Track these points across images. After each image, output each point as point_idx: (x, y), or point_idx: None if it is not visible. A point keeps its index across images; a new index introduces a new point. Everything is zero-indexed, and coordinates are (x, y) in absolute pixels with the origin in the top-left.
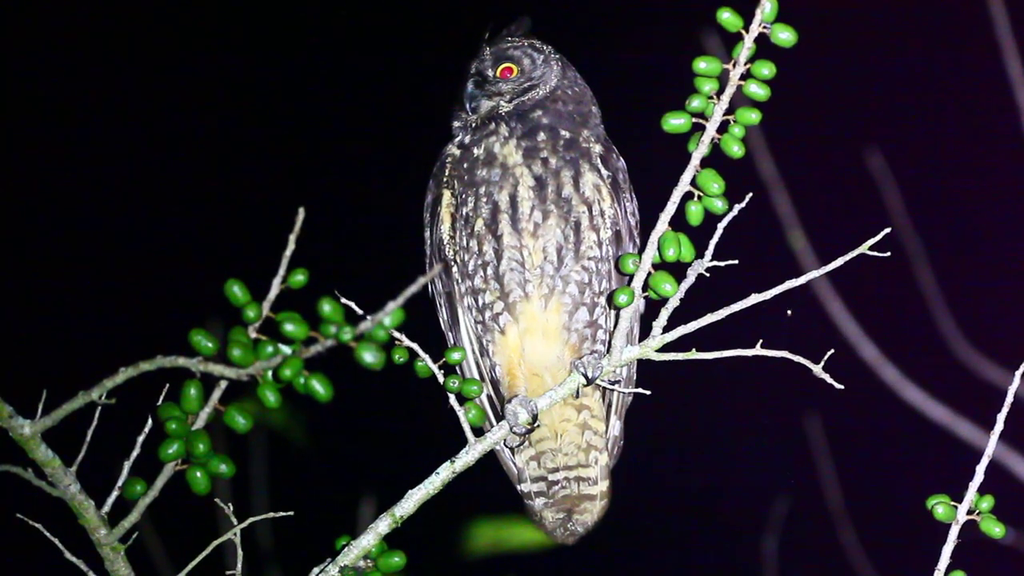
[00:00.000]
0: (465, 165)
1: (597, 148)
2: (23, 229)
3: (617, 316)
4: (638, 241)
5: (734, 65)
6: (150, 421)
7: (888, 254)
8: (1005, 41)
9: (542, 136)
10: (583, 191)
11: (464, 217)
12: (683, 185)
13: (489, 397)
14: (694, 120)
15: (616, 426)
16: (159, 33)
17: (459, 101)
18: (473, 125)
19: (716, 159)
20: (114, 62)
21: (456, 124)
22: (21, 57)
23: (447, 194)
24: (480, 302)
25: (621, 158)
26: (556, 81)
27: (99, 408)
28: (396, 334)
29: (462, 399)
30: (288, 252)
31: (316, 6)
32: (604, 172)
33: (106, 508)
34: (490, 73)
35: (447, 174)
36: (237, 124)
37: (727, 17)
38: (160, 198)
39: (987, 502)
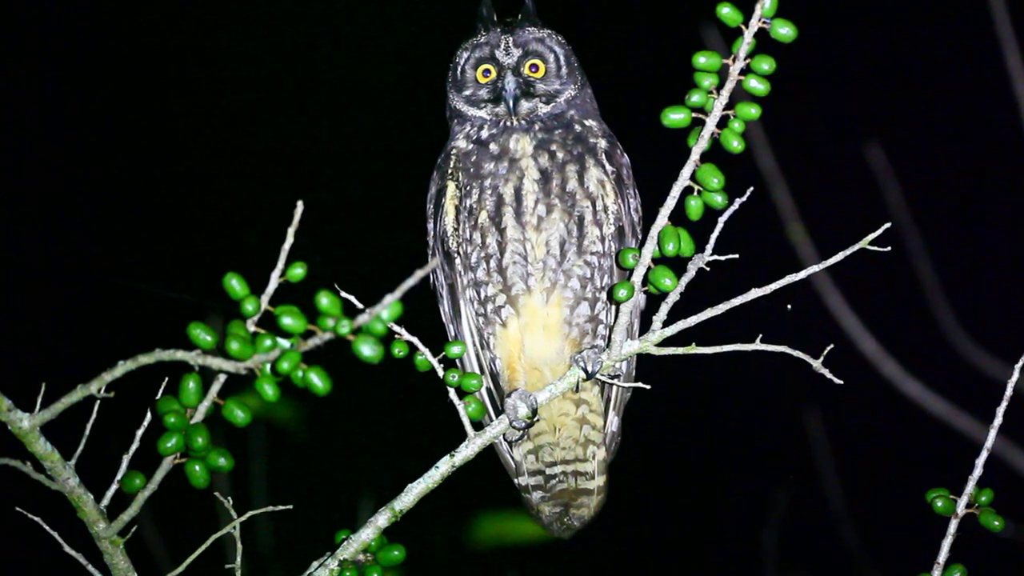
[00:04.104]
0: (473, 158)
1: (602, 143)
2: (22, 224)
3: (617, 311)
4: (640, 237)
5: (734, 60)
6: (149, 415)
7: (888, 249)
8: (1005, 35)
9: (559, 131)
10: (587, 186)
11: (468, 209)
12: (683, 180)
13: (489, 391)
14: (694, 115)
15: (614, 422)
16: (158, 29)
17: (495, 98)
18: (504, 123)
19: (716, 154)
20: (113, 58)
21: (467, 112)
22: (21, 52)
23: (452, 186)
24: (482, 295)
25: (625, 154)
26: (579, 77)
27: (98, 402)
28: (395, 327)
29: (462, 393)
30: (286, 246)
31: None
32: (608, 167)
33: (105, 502)
34: (523, 71)
35: (452, 166)
36: (236, 119)
37: (727, 12)
38: (159, 193)
39: (986, 496)
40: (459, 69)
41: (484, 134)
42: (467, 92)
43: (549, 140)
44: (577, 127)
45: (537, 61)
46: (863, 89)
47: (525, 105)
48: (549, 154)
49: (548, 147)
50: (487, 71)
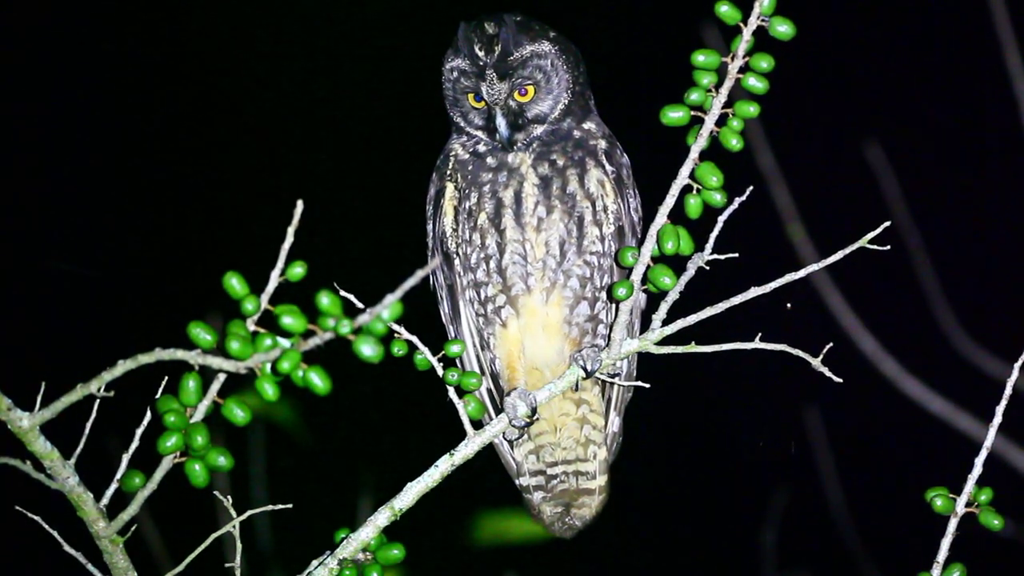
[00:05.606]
0: (470, 167)
1: (602, 144)
2: (22, 222)
3: (617, 310)
4: (640, 236)
5: (732, 58)
6: (149, 414)
7: (888, 248)
8: (1004, 33)
9: (558, 145)
10: (587, 187)
11: (467, 211)
12: (682, 178)
13: (488, 390)
14: (693, 113)
15: (615, 422)
16: (158, 27)
17: (489, 129)
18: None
19: (715, 152)
20: (113, 55)
21: (464, 127)
22: (21, 51)
23: (450, 187)
24: (482, 295)
25: (625, 154)
26: (568, 80)
27: (98, 401)
28: (395, 327)
29: (461, 392)
30: (286, 245)
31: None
32: (608, 168)
33: (105, 501)
34: (513, 104)
35: (451, 167)
36: (236, 118)
37: (725, 10)
38: (159, 191)
39: (986, 495)
40: (450, 87)
41: (481, 148)
42: (461, 109)
43: (549, 152)
44: (576, 133)
45: (525, 85)
46: (863, 89)
47: (520, 136)
48: (549, 163)
49: (548, 157)
50: (477, 97)
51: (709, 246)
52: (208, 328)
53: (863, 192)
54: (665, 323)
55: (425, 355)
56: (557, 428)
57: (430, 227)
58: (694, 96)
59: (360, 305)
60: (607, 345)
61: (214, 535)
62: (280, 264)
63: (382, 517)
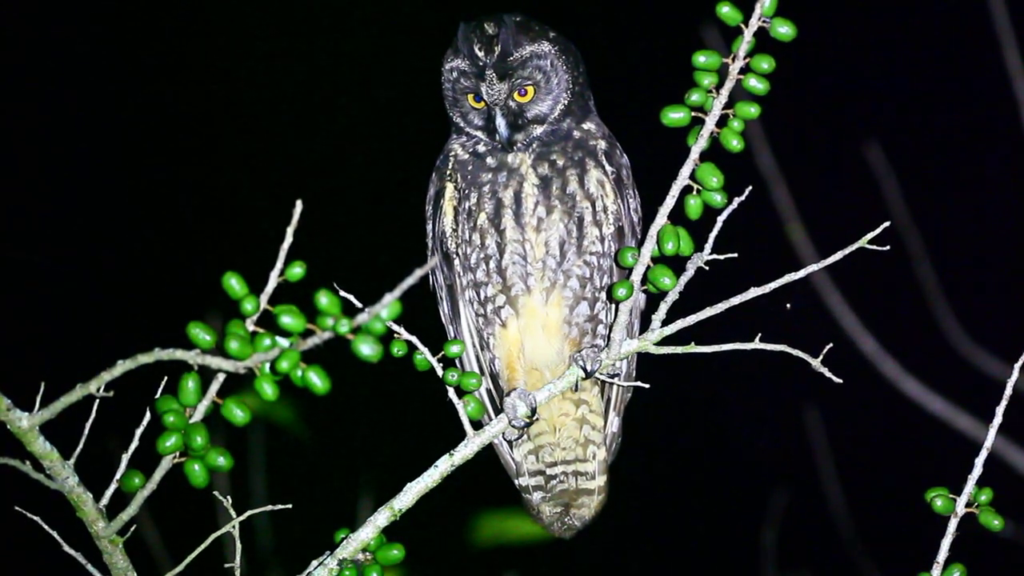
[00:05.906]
0: (470, 167)
1: (602, 144)
2: (22, 222)
3: (617, 310)
4: (640, 237)
5: (733, 59)
6: (148, 414)
7: (887, 248)
8: (1004, 34)
9: (559, 145)
10: (587, 187)
11: (467, 211)
12: (682, 179)
13: (488, 391)
14: (693, 114)
15: (615, 423)
16: (158, 27)
17: (489, 130)
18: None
19: (715, 153)
20: (112, 55)
21: (463, 127)
22: (21, 51)
23: (450, 187)
24: (482, 295)
25: (625, 154)
26: (568, 80)
27: (97, 401)
28: (394, 326)
29: (461, 392)
30: (286, 245)
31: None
32: (608, 168)
33: (104, 501)
34: (513, 104)
35: (450, 167)
36: (236, 118)
37: (727, 11)
38: (158, 191)
39: (986, 495)
40: (450, 87)
41: (481, 148)
42: (461, 109)
43: (548, 152)
44: (576, 133)
45: (525, 85)
46: (863, 89)
47: (519, 136)
48: (549, 163)
49: (548, 157)
50: (477, 97)
51: (709, 246)
52: (207, 328)
53: (863, 192)
54: (665, 323)
55: (425, 355)
56: (556, 428)
57: (430, 227)
58: (695, 97)
59: (359, 304)
60: (607, 345)
61: (214, 535)
62: (279, 264)
63: (382, 517)
